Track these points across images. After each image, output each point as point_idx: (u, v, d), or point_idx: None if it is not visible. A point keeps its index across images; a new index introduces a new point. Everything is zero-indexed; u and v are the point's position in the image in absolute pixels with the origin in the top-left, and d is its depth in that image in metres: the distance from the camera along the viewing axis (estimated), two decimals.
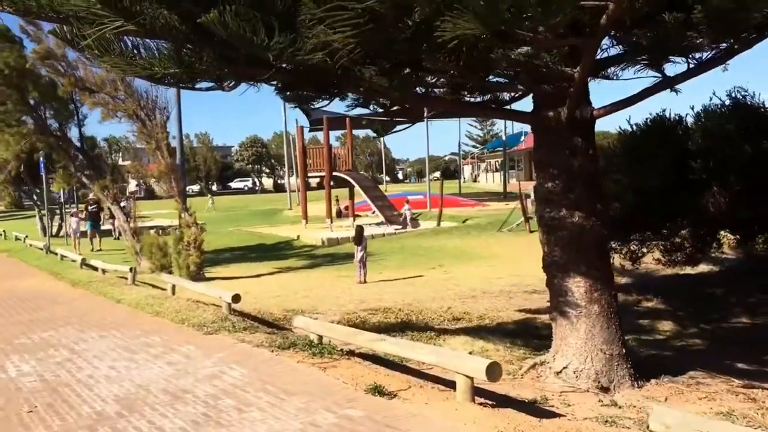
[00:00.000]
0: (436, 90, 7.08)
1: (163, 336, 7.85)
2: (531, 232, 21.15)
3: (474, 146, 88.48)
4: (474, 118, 79.77)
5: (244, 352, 6.82)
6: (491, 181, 67.37)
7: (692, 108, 10.06)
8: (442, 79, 6.73)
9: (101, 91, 14.60)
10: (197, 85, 5.88)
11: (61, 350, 7.40)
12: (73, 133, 16.60)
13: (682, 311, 10.08)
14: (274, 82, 6.10)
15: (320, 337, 6.90)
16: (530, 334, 8.91)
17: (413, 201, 28.80)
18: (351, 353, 6.78)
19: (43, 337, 8.23)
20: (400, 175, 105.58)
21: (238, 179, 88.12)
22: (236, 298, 8.56)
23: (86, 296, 12.00)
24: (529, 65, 5.83)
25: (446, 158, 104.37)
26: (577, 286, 6.30)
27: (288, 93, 6.69)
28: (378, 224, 26.50)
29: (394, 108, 6.99)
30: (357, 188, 24.83)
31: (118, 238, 23.75)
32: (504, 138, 43.13)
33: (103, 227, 24.52)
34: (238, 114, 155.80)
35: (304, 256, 19.19)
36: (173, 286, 10.71)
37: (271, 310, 10.74)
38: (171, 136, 15.30)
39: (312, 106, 7.50)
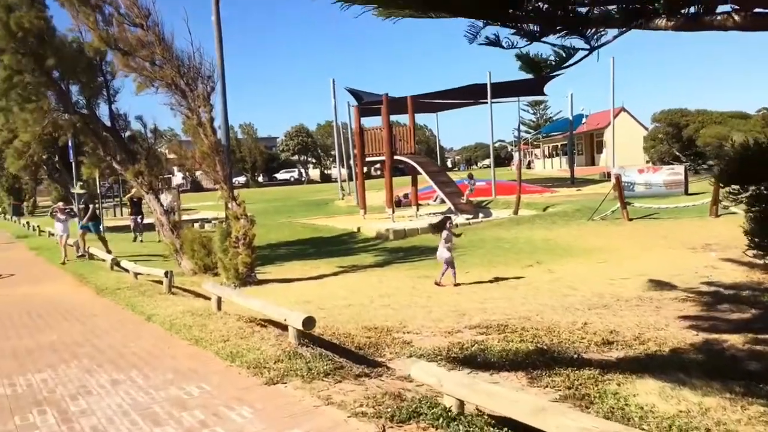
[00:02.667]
0: None
1: (204, 384, 5.24)
2: (630, 220, 18.14)
3: (527, 131, 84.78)
4: (527, 103, 76.18)
5: (334, 428, 4.15)
6: (549, 167, 63.73)
7: None
8: None
9: (136, 53, 12.11)
10: None
11: (48, 413, 4.83)
12: (103, 111, 14.28)
13: None
14: None
15: (461, 404, 4.15)
16: (736, 370, 6.05)
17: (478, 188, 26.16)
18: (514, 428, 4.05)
19: (32, 383, 5.71)
20: (449, 163, 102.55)
21: (284, 170, 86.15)
22: (309, 322, 5.81)
23: (110, 309, 9.53)
24: None
25: (496, 145, 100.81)
26: None
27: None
28: (444, 213, 23.73)
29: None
30: (423, 173, 22.06)
31: (139, 239, 21.55)
32: (571, 118, 39.56)
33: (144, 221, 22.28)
34: (281, 104, 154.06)
35: (370, 251, 16.53)
36: (219, 299, 8.07)
37: (347, 328, 8.10)
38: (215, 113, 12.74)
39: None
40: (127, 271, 12.38)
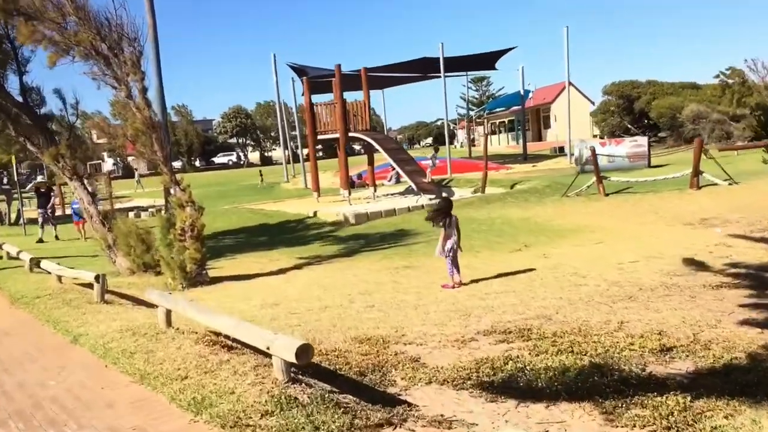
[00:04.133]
0: None
1: None
2: (606, 195, 16.96)
3: (470, 109, 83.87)
4: (469, 79, 75.01)
5: None
6: (496, 144, 62.93)
7: None
8: None
9: (43, 17, 9.99)
10: None
11: None
12: (12, 84, 12.03)
13: None
14: None
15: None
16: None
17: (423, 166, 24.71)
18: None
19: None
20: None
21: (222, 153, 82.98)
22: (304, 353, 3.99)
23: (26, 326, 7.58)
24: None
25: (439, 123, 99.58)
26: None
27: None
28: (403, 194, 22.19)
29: None
30: (381, 151, 20.37)
31: (54, 234, 19.17)
32: (522, 92, 38.42)
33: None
34: (216, 85, 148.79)
35: (331, 239, 14.83)
36: (167, 313, 6.21)
37: (333, 341, 6.45)
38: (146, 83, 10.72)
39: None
40: (49, 273, 10.33)
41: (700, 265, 9.11)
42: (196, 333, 5.95)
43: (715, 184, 16.83)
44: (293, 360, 4.02)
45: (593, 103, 57.80)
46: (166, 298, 6.30)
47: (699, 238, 11.19)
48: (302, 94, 32.31)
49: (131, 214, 21.53)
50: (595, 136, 45.70)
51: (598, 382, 4.83)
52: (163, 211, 12.94)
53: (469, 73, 39.48)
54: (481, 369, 5.29)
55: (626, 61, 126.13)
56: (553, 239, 12.39)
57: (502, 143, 61.86)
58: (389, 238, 13.98)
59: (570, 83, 56.68)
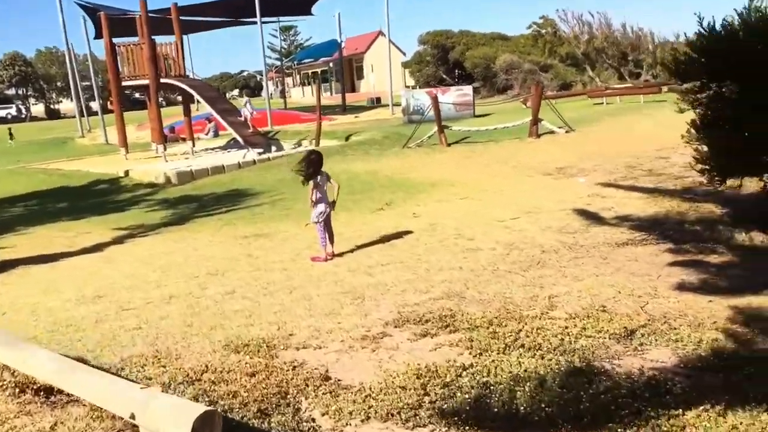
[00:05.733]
0: None
1: None
2: (448, 145, 16.19)
3: (277, 59, 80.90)
4: (274, 28, 71.72)
5: None
6: (308, 95, 61.22)
7: None
8: None
9: None
10: None
11: None
12: None
13: None
14: None
15: None
16: None
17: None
18: None
19: None
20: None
21: None
22: (205, 426, 2.30)
23: None
24: None
25: (245, 74, 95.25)
26: None
27: None
28: (225, 148, 19.96)
29: None
30: (201, 100, 17.92)
31: None
32: (341, 41, 36.82)
33: None
34: None
35: (152, 204, 12.53)
36: None
37: (196, 351, 4.70)
38: None
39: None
40: None
41: (589, 219, 8.36)
42: None
43: (553, 132, 16.68)
44: None
45: (404, 53, 57.93)
46: None
47: (566, 188, 10.57)
48: (95, 38, 28.42)
49: None
50: (407, 86, 45.61)
51: (599, 398, 3.60)
52: None
53: (283, 19, 37.12)
54: (429, 388, 3.85)
55: (435, 12, 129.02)
56: (413, 195, 11.22)
57: (315, 94, 60.24)
58: (225, 201, 12.02)
59: (381, 33, 56.31)
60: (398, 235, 8.27)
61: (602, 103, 23.14)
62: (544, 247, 7.19)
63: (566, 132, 16.49)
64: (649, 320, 4.86)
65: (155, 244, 8.85)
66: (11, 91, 75.31)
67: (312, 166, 7.32)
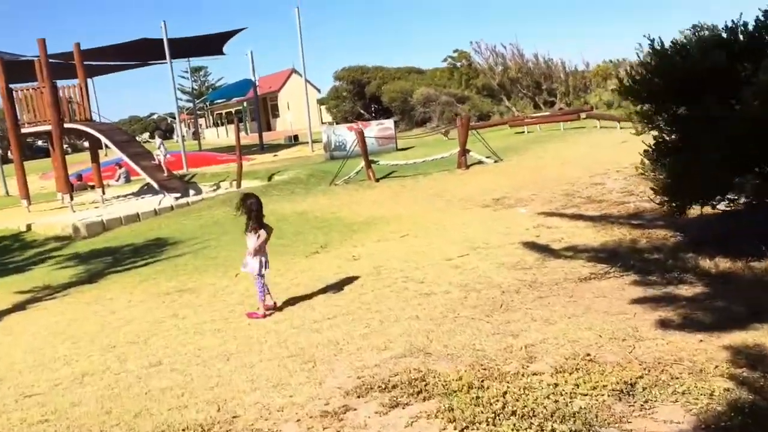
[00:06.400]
0: None
1: None
2: (377, 180, 15.64)
3: (188, 100, 79.00)
4: (184, 69, 69.84)
5: None
6: (223, 136, 59.90)
7: None
8: None
9: None
10: None
11: None
12: None
13: None
14: None
15: None
16: None
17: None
18: None
19: None
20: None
21: None
22: None
23: None
24: None
25: (155, 116, 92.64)
26: None
27: None
28: (138, 195, 18.73)
29: None
30: (110, 145, 16.71)
31: None
32: (255, 79, 35.94)
33: None
34: None
35: (62, 260, 11.30)
36: None
37: None
38: None
39: None
40: None
41: (542, 253, 7.88)
42: None
43: (482, 162, 16.41)
44: None
45: (319, 90, 57.59)
46: None
47: (508, 220, 10.13)
48: None
49: None
50: (324, 123, 45.16)
51: None
52: None
53: (194, 58, 36.04)
54: None
55: (346, 49, 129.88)
56: (348, 235, 10.52)
57: (230, 134, 58.91)
58: (142, 252, 10.95)
59: (295, 70, 55.81)
60: (341, 282, 7.54)
61: (523, 132, 23.25)
62: (502, 287, 6.63)
63: (495, 162, 16.25)
64: (645, 370, 4.32)
65: (64, 309, 7.76)
66: None
67: (254, 206, 6.55)
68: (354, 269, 8.13)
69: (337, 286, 7.36)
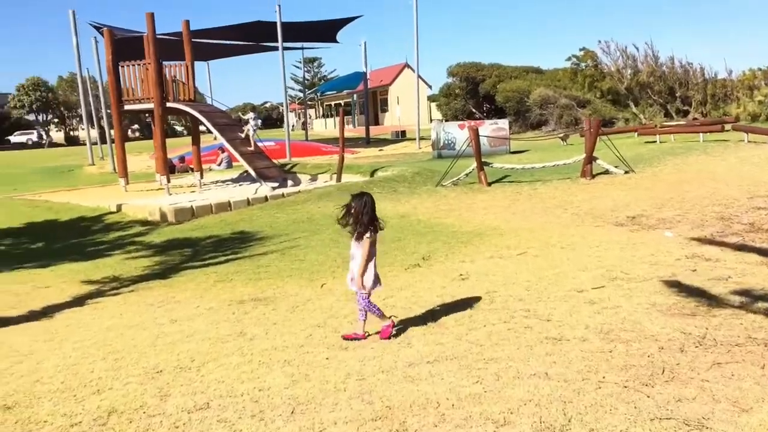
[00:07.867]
0: None
1: None
2: (489, 185, 14.05)
3: (300, 91, 79.76)
4: (298, 59, 70.20)
5: None
6: (331, 127, 59.71)
7: None
8: None
9: None
10: None
11: None
12: None
13: None
14: None
15: None
16: None
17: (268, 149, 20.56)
18: None
19: None
20: None
21: (20, 132, 72.03)
22: None
23: None
24: None
25: (268, 105, 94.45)
26: None
27: None
28: (237, 182, 18.02)
29: None
30: (210, 127, 16.02)
31: None
32: (367, 71, 35.05)
33: None
34: (11, 56, 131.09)
35: (141, 248, 10.47)
36: None
37: None
38: None
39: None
40: None
41: (704, 295, 6.12)
42: None
43: (609, 172, 14.50)
44: None
45: (430, 87, 56.30)
46: None
47: (652, 245, 8.34)
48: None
49: None
50: (432, 120, 43.77)
51: None
52: None
53: (306, 45, 35.51)
54: None
55: (459, 44, 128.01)
56: (456, 247, 9.06)
57: (338, 126, 58.72)
58: (225, 246, 9.93)
59: (407, 65, 54.72)
60: (445, 309, 6.09)
61: (655, 141, 20.92)
62: (659, 341, 4.97)
63: (625, 172, 14.29)
64: None
65: (123, 311, 6.71)
66: (32, 117, 74.59)
67: (364, 210, 5.27)
68: (462, 292, 6.67)
69: (441, 314, 5.92)
